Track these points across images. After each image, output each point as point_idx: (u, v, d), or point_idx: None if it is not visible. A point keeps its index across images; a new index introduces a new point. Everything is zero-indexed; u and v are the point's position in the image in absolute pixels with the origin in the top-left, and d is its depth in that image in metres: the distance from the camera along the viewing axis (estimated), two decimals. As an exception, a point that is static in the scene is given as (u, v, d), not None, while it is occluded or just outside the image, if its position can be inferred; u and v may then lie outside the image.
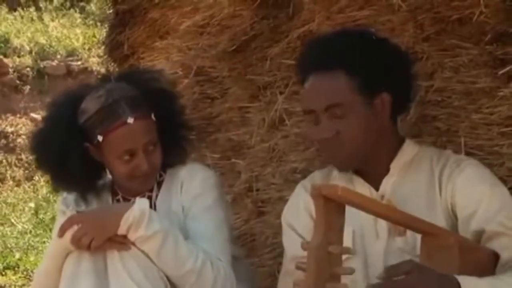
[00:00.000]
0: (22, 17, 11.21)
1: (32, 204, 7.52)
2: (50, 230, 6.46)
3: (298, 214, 2.23)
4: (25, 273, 5.85)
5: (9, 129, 9.07)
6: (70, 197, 2.41)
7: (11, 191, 8.11)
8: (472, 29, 2.38)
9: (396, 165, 2.16)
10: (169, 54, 3.19)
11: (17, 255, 6.12)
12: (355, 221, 2.08)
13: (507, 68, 2.30)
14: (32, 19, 11.21)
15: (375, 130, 2.11)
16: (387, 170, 2.16)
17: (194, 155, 2.79)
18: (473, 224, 2.03)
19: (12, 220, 7.10)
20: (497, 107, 2.35)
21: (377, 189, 2.16)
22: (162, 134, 2.33)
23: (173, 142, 2.39)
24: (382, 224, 2.10)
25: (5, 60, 9.78)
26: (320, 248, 1.81)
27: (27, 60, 9.93)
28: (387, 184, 2.15)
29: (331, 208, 1.84)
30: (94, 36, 9.98)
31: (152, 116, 2.30)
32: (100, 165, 2.35)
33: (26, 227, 6.90)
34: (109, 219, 2.19)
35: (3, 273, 5.87)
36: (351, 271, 1.83)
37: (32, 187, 8.14)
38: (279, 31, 2.82)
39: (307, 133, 2.26)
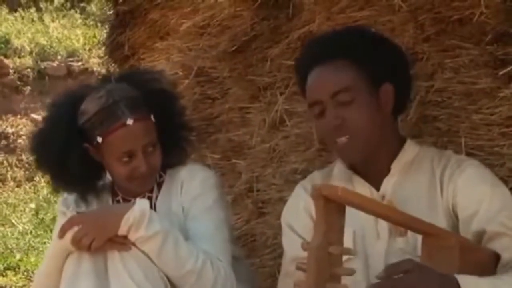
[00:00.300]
0: (22, 18, 11.22)
1: (32, 205, 7.52)
2: (51, 230, 6.45)
3: (298, 215, 2.23)
4: (25, 273, 5.85)
5: (10, 130, 9.07)
6: (71, 198, 2.41)
7: (11, 191, 8.10)
8: (473, 30, 2.38)
9: (397, 165, 2.16)
10: (169, 54, 3.19)
11: (18, 256, 6.12)
12: (356, 221, 2.08)
13: (508, 69, 2.30)
14: (32, 20, 11.22)
15: (379, 122, 2.11)
16: (387, 170, 2.16)
17: (194, 155, 2.79)
18: (474, 224, 2.03)
19: (13, 221, 7.10)
20: (497, 108, 2.34)
21: (377, 189, 2.16)
22: (162, 135, 2.33)
23: (173, 143, 2.39)
24: (383, 224, 2.10)
25: (6, 61, 9.78)
26: (321, 248, 1.81)
27: (28, 61, 9.93)
28: (387, 184, 2.15)
29: (332, 208, 1.83)
30: (94, 36, 9.98)
31: (152, 117, 2.30)
32: (100, 165, 2.35)
33: (27, 227, 6.90)
34: (109, 219, 2.19)
35: (4, 273, 5.87)
36: (351, 272, 1.83)
37: (32, 187, 8.14)
38: (279, 32, 2.82)
39: (316, 129, 2.26)
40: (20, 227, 6.91)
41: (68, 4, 11.74)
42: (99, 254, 2.18)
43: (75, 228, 2.18)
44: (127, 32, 3.32)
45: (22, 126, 9.13)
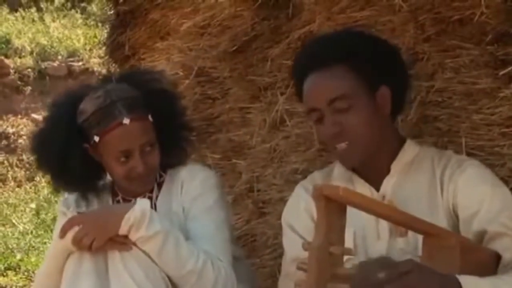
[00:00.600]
0: (23, 18, 11.22)
1: (33, 205, 7.52)
2: (51, 231, 6.45)
3: (299, 215, 2.23)
4: (26, 273, 5.85)
5: (10, 130, 9.07)
6: (71, 198, 2.42)
7: (12, 191, 8.10)
8: (473, 30, 2.38)
9: (397, 166, 2.16)
10: (170, 55, 3.19)
11: (18, 256, 6.12)
12: (357, 221, 2.08)
13: (508, 69, 2.30)
14: (33, 20, 11.22)
15: (377, 125, 2.10)
16: (387, 171, 2.16)
17: (194, 155, 2.80)
18: (474, 224, 2.03)
19: (13, 221, 7.10)
20: (498, 108, 2.34)
21: (378, 189, 2.16)
22: (162, 135, 2.34)
23: (174, 143, 2.39)
24: (384, 224, 2.10)
25: (6, 61, 9.78)
26: (321, 248, 1.81)
27: (28, 61, 9.93)
28: (388, 184, 2.15)
29: (333, 208, 1.83)
30: (95, 36, 9.98)
31: (150, 117, 2.30)
32: (100, 165, 2.35)
33: (27, 227, 6.90)
34: (110, 219, 2.19)
35: (4, 273, 5.87)
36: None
37: (33, 187, 8.14)
38: (279, 32, 2.82)
39: (317, 136, 2.25)
40: (20, 227, 6.91)
41: (69, 4, 11.74)
42: (100, 254, 2.18)
43: (76, 228, 2.18)
44: (127, 32, 3.32)
45: (23, 126, 9.13)
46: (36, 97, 9.56)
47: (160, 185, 2.40)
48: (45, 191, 7.81)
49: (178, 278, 2.20)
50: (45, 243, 6.36)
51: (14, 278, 5.79)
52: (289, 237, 2.25)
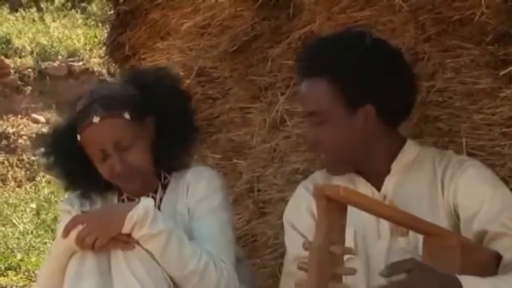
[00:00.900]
0: (23, 18, 11.22)
1: (33, 205, 7.52)
2: (52, 230, 6.47)
3: (300, 215, 2.23)
4: (26, 273, 5.85)
5: (10, 130, 9.07)
6: (74, 196, 2.42)
7: (12, 191, 8.10)
8: (474, 30, 2.38)
9: (397, 165, 2.16)
10: (170, 55, 3.19)
11: (19, 256, 6.12)
12: (357, 221, 2.08)
13: (509, 69, 2.30)
14: (33, 20, 11.21)
15: (358, 139, 2.11)
16: (388, 170, 2.16)
17: (195, 155, 2.79)
18: (475, 224, 2.03)
19: (14, 221, 7.10)
20: (498, 108, 2.35)
21: (379, 189, 2.16)
22: (164, 136, 2.33)
23: (180, 144, 2.38)
24: (384, 224, 2.10)
25: (7, 61, 9.79)
26: (322, 248, 1.81)
27: (29, 61, 9.93)
28: (389, 184, 2.15)
29: (333, 208, 1.84)
30: (95, 36, 9.98)
31: (126, 115, 2.27)
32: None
33: (28, 227, 6.90)
34: (113, 218, 2.19)
35: (5, 273, 5.88)
36: (353, 272, 1.84)
37: (33, 187, 8.14)
38: (280, 32, 2.82)
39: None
40: (21, 227, 6.91)
41: (69, 4, 11.74)
42: (103, 253, 2.17)
43: (79, 227, 2.18)
44: (127, 32, 3.32)
45: (23, 126, 9.13)
46: (36, 97, 9.56)
47: (165, 187, 2.40)
48: (46, 191, 7.81)
49: (180, 278, 2.20)
50: (45, 243, 6.37)
51: (15, 278, 5.80)
52: (290, 236, 2.25)
